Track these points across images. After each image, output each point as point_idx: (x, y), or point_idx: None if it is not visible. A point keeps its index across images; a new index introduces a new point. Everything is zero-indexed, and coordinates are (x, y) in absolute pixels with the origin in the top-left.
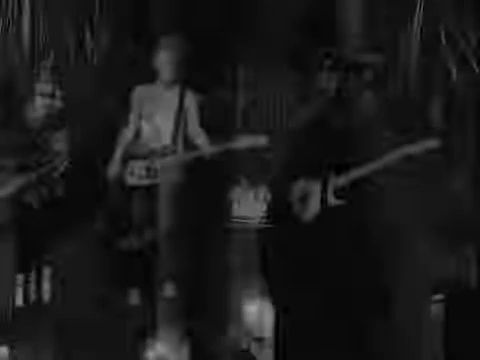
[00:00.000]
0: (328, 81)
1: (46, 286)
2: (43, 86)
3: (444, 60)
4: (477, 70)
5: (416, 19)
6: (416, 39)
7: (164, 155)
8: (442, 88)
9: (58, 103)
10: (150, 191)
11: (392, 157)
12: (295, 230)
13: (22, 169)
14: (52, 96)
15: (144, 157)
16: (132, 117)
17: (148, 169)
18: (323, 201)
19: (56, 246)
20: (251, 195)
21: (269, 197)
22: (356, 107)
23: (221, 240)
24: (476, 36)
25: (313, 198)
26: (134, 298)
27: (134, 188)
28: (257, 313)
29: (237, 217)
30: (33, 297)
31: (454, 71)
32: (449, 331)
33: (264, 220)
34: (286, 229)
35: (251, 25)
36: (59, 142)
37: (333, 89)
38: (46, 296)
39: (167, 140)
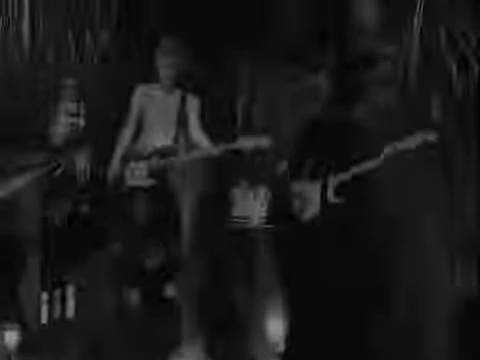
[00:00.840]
0: (331, 77)
1: (70, 303)
2: (68, 105)
3: (444, 60)
4: (477, 70)
5: (416, 19)
6: (416, 39)
7: (165, 156)
8: (442, 88)
9: (82, 122)
10: (151, 192)
11: (390, 151)
12: (297, 230)
13: (20, 170)
14: (76, 115)
15: (144, 158)
16: (132, 117)
17: (148, 170)
18: (323, 200)
19: (79, 264)
20: (251, 195)
21: (269, 197)
22: (362, 104)
23: (242, 251)
24: (476, 36)
25: (313, 197)
26: (134, 298)
27: (134, 189)
28: (281, 329)
29: (237, 217)
30: (57, 314)
31: (454, 71)
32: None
33: (264, 220)
34: (289, 229)
35: (252, 22)
36: (81, 160)
37: (336, 86)
38: (70, 313)
39: (168, 141)
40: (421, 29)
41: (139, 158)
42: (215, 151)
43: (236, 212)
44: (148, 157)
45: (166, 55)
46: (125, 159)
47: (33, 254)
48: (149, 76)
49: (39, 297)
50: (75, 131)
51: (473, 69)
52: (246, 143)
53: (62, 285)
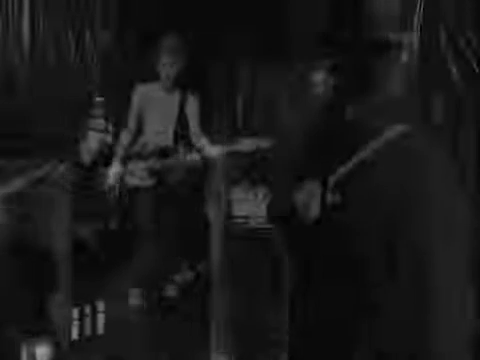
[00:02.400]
0: (327, 74)
1: (101, 320)
2: (96, 122)
3: (444, 60)
4: (477, 70)
5: (416, 19)
6: (416, 39)
7: (164, 156)
8: (442, 88)
9: (110, 139)
10: (151, 192)
11: (373, 146)
12: (301, 231)
13: (21, 170)
14: (105, 131)
15: (145, 158)
16: (132, 117)
17: (149, 170)
18: (323, 201)
19: (110, 281)
20: (251, 195)
21: (269, 197)
22: (365, 101)
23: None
24: (476, 36)
25: (314, 199)
26: (134, 298)
27: (135, 189)
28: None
29: (237, 217)
30: (88, 331)
31: (454, 71)
32: None
33: (264, 220)
34: (290, 229)
35: (254, 20)
36: (112, 177)
37: (332, 84)
38: (100, 330)
39: (168, 141)
40: (421, 29)
41: (139, 158)
42: (216, 152)
43: (236, 212)
44: (148, 157)
45: (167, 54)
46: (125, 159)
47: (64, 271)
48: (149, 76)
49: (70, 314)
50: (104, 148)
51: (473, 69)
52: (246, 145)
53: (92, 302)
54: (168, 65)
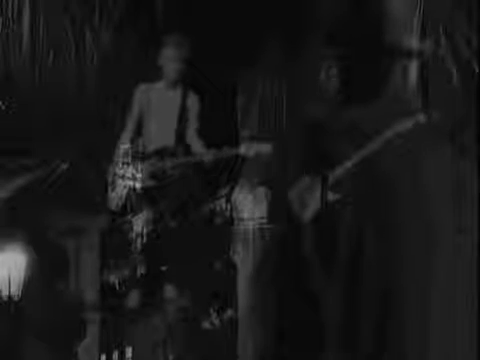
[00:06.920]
0: (331, 74)
1: None
2: (124, 169)
3: (444, 60)
4: (477, 70)
5: (416, 19)
6: (416, 39)
7: (166, 156)
8: (442, 88)
9: (138, 185)
10: (151, 192)
11: (383, 138)
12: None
13: (21, 170)
14: (133, 178)
15: (145, 158)
16: (132, 117)
17: (150, 171)
18: (322, 199)
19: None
20: (251, 195)
21: (269, 197)
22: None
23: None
24: (476, 36)
25: (313, 197)
26: (133, 300)
27: (135, 189)
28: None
29: (237, 218)
30: None
31: (454, 71)
32: None
33: (264, 220)
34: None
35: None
36: (139, 224)
37: (337, 85)
38: None
39: (169, 141)
40: (421, 29)
41: (140, 159)
42: (217, 155)
43: (236, 213)
44: (149, 158)
45: (172, 49)
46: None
47: (92, 316)
48: (150, 76)
49: (98, 359)
50: (132, 194)
51: (473, 69)
52: (249, 150)
53: (121, 347)
54: (174, 59)
